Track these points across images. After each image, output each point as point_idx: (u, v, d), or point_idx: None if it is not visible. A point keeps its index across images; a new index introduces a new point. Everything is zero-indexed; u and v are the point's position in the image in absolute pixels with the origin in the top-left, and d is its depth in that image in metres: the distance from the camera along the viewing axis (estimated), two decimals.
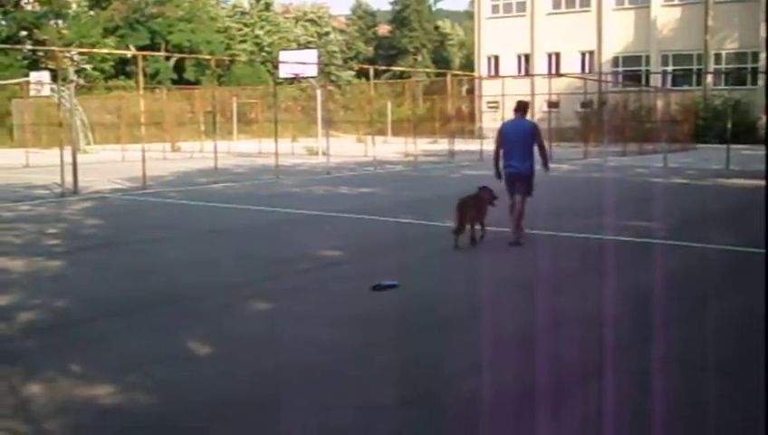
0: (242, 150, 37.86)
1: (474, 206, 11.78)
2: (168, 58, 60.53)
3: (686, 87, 50.40)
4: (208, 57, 48.87)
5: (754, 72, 51.01)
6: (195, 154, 35.41)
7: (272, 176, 23.55)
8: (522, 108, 12.40)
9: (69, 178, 19.16)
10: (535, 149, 12.13)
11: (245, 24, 77.29)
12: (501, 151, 12.18)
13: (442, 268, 10.00)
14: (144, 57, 25.91)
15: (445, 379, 5.77)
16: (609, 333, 6.96)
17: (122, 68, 60.63)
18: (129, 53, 45.88)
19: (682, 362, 6.16)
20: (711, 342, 6.68)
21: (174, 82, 61.01)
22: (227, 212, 15.78)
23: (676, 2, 54.18)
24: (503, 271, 9.75)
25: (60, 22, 60.40)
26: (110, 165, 29.53)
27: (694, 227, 13.59)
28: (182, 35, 65.11)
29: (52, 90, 33.84)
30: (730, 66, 52.55)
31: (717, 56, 53.01)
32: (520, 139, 12.03)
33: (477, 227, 11.72)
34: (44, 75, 38.98)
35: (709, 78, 52.57)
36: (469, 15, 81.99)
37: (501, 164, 12.16)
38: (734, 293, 8.66)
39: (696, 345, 6.62)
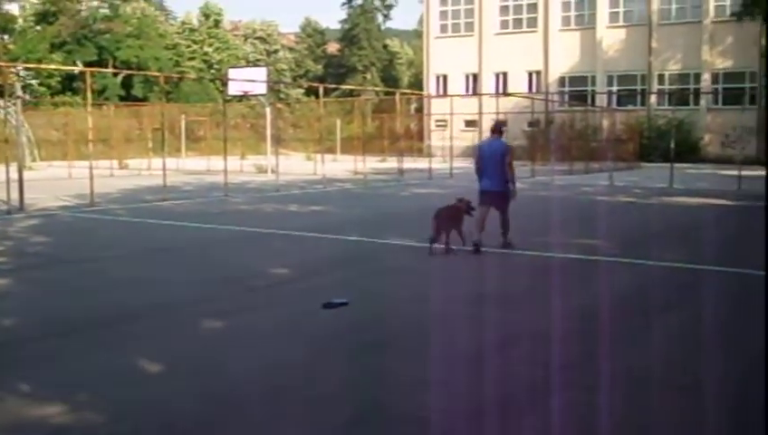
0: (190, 168, 37.66)
1: (448, 216, 12.55)
2: (115, 74, 60.00)
3: (630, 107, 51.20)
4: (157, 74, 48.53)
5: (697, 92, 52.01)
6: (143, 171, 35.14)
7: (221, 193, 23.46)
8: (497, 128, 13.30)
9: (14, 196, 18.91)
10: None
11: (194, 41, 76.98)
12: (478, 168, 13.23)
13: (392, 286, 10.05)
14: (92, 73, 25.68)
15: (393, 397, 5.81)
16: (558, 349, 7.07)
17: (69, 84, 60.01)
18: (76, 69, 45.45)
19: (630, 377, 6.28)
20: (658, 357, 6.82)
21: (122, 98, 60.52)
22: (176, 230, 15.69)
23: (620, 23, 55.11)
24: (452, 288, 9.84)
25: (6, 37, 59.64)
26: (56, 182, 29.18)
27: (640, 245, 13.81)
28: (130, 52, 64.67)
29: None
30: (673, 87, 53.53)
31: (661, 77, 53.97)
32: (492, 158, 12.90)
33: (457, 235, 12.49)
34: None
35: (653, 98, 53.49)
36: (418, 35, 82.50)
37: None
38: (679, 309, 8.83)
39: (643, 361, 6.74)
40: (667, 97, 53.15)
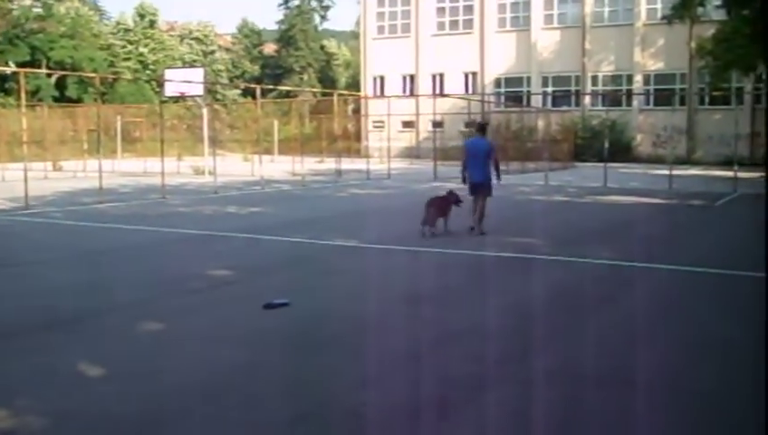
0: (127, 170, 37.26)
1: (437, 205, 14.74)
2: (49, 75, 59.09)
3: (565, 108, 51.86)
4: (91, 75, 47.96)
5: (629, 93, 52.96)
6: (78, 173, 34.67)
7: (158, 195, 23.30)
8: (481, 128, 15.87)
9: None
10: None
11: (129, 42, 76.13)
12: (465, 163, 15.22)
13: (333, 286, 10.14)
14: (25, 74, 25.29)
15: (334, 395, 5.90)
16: (494, 346, 7.22)
17: (2, 85, 58.93)
18: (8, 70, 44.71)
19: (564, 372, 6.45)
20: (592, 352, 7.01)
21: (56, 99, 59.58)
22: (113, 233, 15.56)
23: (555, 25, 55.84)
24: (390, 288, 9.95)
25: None
26: None
27: (574, 243, 14.07)
28: (64, 52, 63.70)
29: None
30: (606, 88, 54.42)
31: (594, 78, 54.82)
32: (478, 154, 15.07)
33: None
34: None
35: (587, 99, 54.31)
36: (355, 36, 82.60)
37: (466, 173, 15.20)
38: (612, 304, 9.06)
39: (578, 356, 6.93)
40: (600, 98, 53.99)
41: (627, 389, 6.05)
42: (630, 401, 5.80)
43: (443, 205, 14.84)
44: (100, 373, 6.37)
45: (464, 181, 15.37)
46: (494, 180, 15.24)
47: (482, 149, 15.14)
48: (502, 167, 17.05)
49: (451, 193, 15.15)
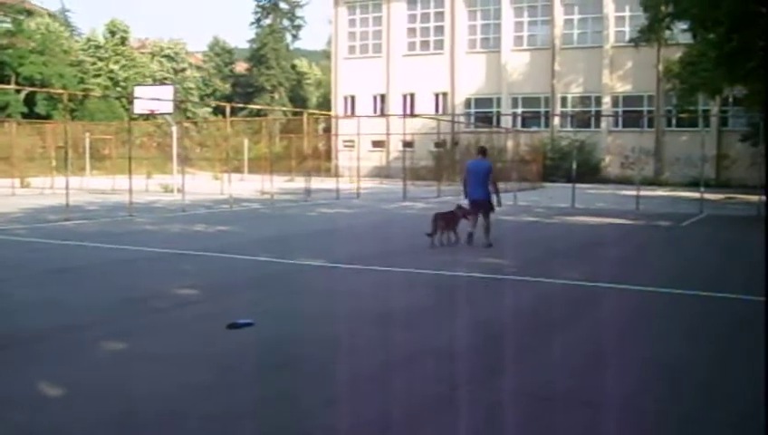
0: (95, 187, 37.01)
1: (444, 218, 16.21)
2: (18, 91, 58.62)
3: (534, 128, 52.24)
4: (60, 91, 47.55)
5: (598, 115, 53.44)
6: (45, 190, 34.40)
7: (125, 213, 23.14)
8: (481, 151, 17.67)
9: None
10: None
11: (100, 59, 75.76)
12: (465, 181, 16.85)
13: (298, 306, 10.09)
14: None
15: (299, 416, 5.86)
16: (461, 366, 7.23)
17: None
18: None
19: (530, 392, 6.46)
20: (558, 372, 7.04)
21: (24, 115, 59.09)
22: (79, 250, 15.43)
23: (525, 47, 56.28)
24: (358, 308, 9.92)
25: None
26: None
27: (541, 264, 14.14)
28: (33, 68, 63.24)
29: None
30: (575, 109, 54.90)
31: (564, 99, 55.29)
32: (478, 175, 16.51)
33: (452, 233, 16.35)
34: None
35: (556, 120, 54.71)
36: (326, 55, 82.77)
37: (467, 190, 16.70)
38: (577, 325, 9.09)
39: (543, 376, 6.95)
40: (569, 119, 54.44)
41: (589, 409, 6.07)
42: (593, 421, 5.82)
43: (451, 219, 16.41)
44: (61, 393, 6.29)
45: (466, 196, 16.92)
46: (494, 201, 16.60)
47: (482, 169, 16.60)
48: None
49: (460, 208, 16.83)
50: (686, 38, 39.24)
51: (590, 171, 47.87)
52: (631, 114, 51.96)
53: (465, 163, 17.80)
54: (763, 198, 22.34)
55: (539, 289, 11.52)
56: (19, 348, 7.73)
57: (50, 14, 77.91)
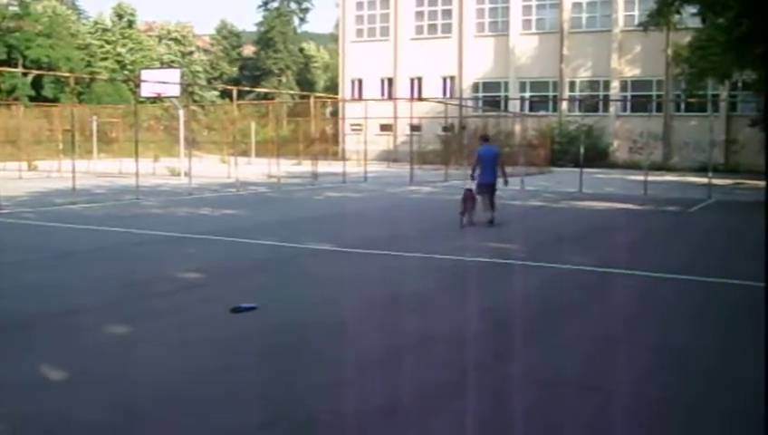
0: (102, 170, 37.01)
1: (472, 198, 17.10)
2: (25, 74, 58.63)
3: (542, 113, 52.06)
4: (67, 74, 47.59)
5: (606, 99, 53.21)
6: (52, 174, 34.42)
7: (132, 196, 23.13)
8: (485, 138, 19.25)
9: None
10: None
11: (107, 42, 75.72)
12: (477, 167, 17.85)
13: (303, 290, 10.05)
14: (0, 72, 25.07)
15: (303, 399, 5.83)
16: (470, 351, 7.18)
17: None
18: None
19: (539, 378, 6.40)
20: (567, 358, 6.98)
21: (31, 98, 59.11)
22: (85, 234, 15.42)
23: (533, 30, 56.01)
24: (365, 291, 9.88)
25: None
26: None
27: (549, 249, 14.07)
28: (41, 51, 63.24)
29: None
30: (583, 93, 54.67)
31: (572, 84, 55.04)
32: (489, 159, 17.76)
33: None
34: None
35: (564, 104, 54.50)
36: (334, 39, 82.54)
37: (476, 174, 17.79)
38: (585, 311, 9.04)
39: (552, 362, 6.90)
40: (577, 103, 54.23)
41: (597, 395, 6.02)
42: (601, 407, 5.78)
43: (472, 198, 17.27)
44: (64, 377, 6.26)
45: (473, 180, 17.90)
46: (500, 182, 17.87)
47: (492, 154, 18.04)
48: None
49: (470, 190, 17.46)
50: (696, 22, 38.94)
51: (598, 156, 47.66)
52: (640, 99, 51.71)
53: (476, 150, 18.65)
54: None
55: (547, 274, 11.45)
56: (23, 332, 7.69)
57: None
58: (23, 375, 6.25)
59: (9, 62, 59.96)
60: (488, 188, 17.67)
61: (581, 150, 32.18)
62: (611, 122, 52.87)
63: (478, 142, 18.98)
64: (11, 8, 65.55)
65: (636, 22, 48.07)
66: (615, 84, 53.24)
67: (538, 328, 8.13)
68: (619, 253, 13.56)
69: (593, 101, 53.61)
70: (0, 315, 8.30)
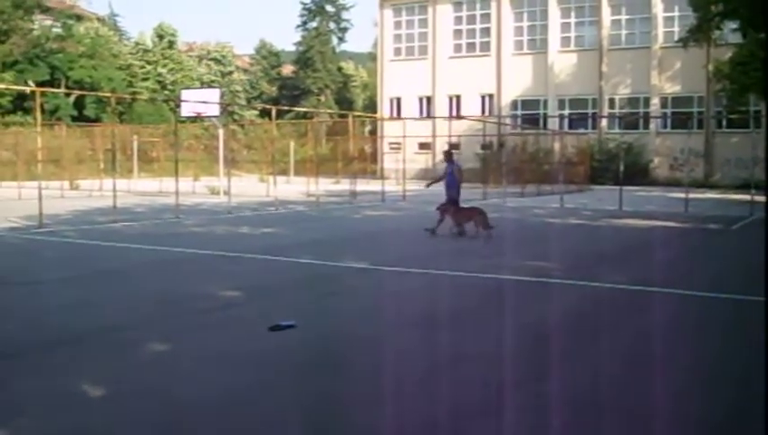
0: (142, 189, 37.40)
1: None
2: (68, 94, 59.43)
3: (581, 130, 51.81)
4: (109, 94, 48.20)
5: (646, 116, 52.85)
6: (94, 192, 34.83)
7: (172, 215, 23.33)
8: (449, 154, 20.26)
9: None
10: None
11: (148, 62, 76.57)
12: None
13: (341, 308, 10.08)
14: (43, 93, 25.45)
15: (341, 417, 5.84)
16: (506, 370, 7.14)
17: (20, 103, 59.24)
18: (27, 89, 44.95)
19: (576, 398, 6.35)
20: (605, 378, 6.92)
21: (74, 118, 59.88)
22: (126, 252, 15.57)
23: (572, 48, 55.85)
24: (401, 310, 9.87)
25: None
26: (5, 203, 28.84)
27: (588, 267, 13.99)
28: (83, 72, 64.07)
29: None
30: (623, 110, 54.36)
31: (611, 101, 54.75)
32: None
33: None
34: None
35: (604, 122, 54.19)
36: (372, 57, 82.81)
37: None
38: (626, 330, 8.96)
39: (590, 382, 6.84)
40: (617, 121, 53.93)
41: (634, 417, 5.96)
42: (637, 429, 5.72)
43: (469, 213, 18.52)
44: (104, 394, 6.32)
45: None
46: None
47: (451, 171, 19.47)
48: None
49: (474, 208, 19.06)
50: (737, 38, 38.78)
51: (638, 173, 47.29)
52: (680, 115, 51.28)
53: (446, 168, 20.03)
54: None
55: (585, 293, 11.37)
56: (65, 348, 7.78)
57: (99, 19, 78.97)
58: (65, 392, 6.32)
59: (52, 82, 60.80)
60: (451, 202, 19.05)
61: (621, 168, 31.93)
62: (651, 139, 52.51)
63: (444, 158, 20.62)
64: (54, 30, 66.54)
65: (676, 38, 47.81)
66: (655, 101, 52.87)
67: (576, 347, 8.07)
68: (659, 271, 13.42)
69: (633, 118, 53.27)
70: (42, 332, 8.40)
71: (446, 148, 23.09)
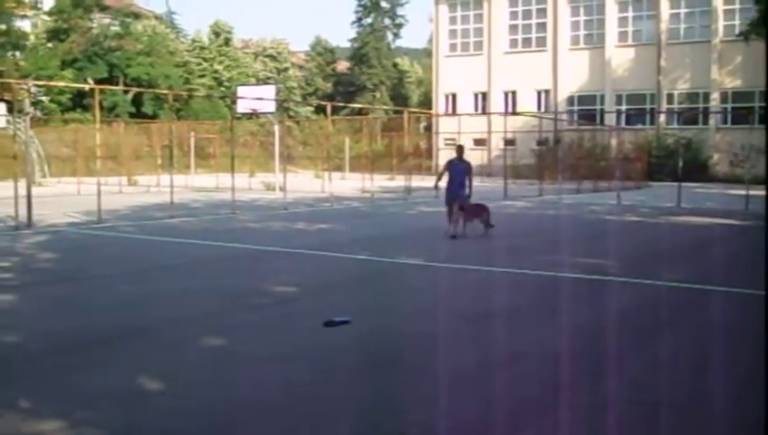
0: (199, 185, 37.73)
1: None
2: (126, 92, 60.20)
3: (639, 126, 51.22)
4: (166, 91, 48.69)
5: (706, 111, 52.04)
6: (151, 188, 35.25)
7: (228, 211, 23.51)
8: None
9: (23, 211, 18.97)
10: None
11: (204, 59, 77.23)
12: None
13: (395, 304, 10.06)
14: (101, 90, 25.85)
15: (395, 413, 5.83)
16: (562, 368, 7.07)
17: (80, 101, 60.15)
18: (86, 86, 45.64)
19: (633, 398, 6.27)
20: (661, 378, 6.82)
21: (132, 115, 60.62)
22: (182, 247, 15.74)
23: (629, 42, 55.20)
24: (457, 307, 9.84)
25: (17, 53, 59.92)
26: (65, 198, 29.30)
27: (645, 264, 13.79)
28: (141, 69, 64.83)
29: (7, 121, 33.53)
30: (682, 106, 53.60)
31: (670, 96, 54.02)
32: (459, 173, 18.09)
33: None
34: (0, 107, 38.58)
35: (662, 117, 53.49)
36: (427, 53, 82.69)
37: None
38: (683, 329, 8.82)
39: (646, 381, 6.74)
40: (675, 116, 53.18)
41: (693, 416, 5.86)
42: (692, 429, 5.62)
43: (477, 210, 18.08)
44: (161, 387, 6.39)
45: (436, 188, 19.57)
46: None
47: (462, 169, 18.08)
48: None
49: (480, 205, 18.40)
50: None
51: (697, 170, 46.58)
52: (741, 110, 50.41)
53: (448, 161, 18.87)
54: None
55: (641, 291, 11.23)
56: (123, 342, 7.88)
57: (156, 17, 79.89)
58: (122, 386, 6.40)
59: (111, 80, 61.60)
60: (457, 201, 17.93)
61: (680, 164, 31.48)
62: (711, 135, 51.69)
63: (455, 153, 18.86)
64: (112, 28, 67.45)
65: (736, 31, 47.06)
66: (715, 96, 52.01)
67: (632, 346, 7.96)
68: (717, 270, 13.19)
69: (692, 113, 52.50)
70: (100, 327, 8.51)
71: (460, 144, 21.63)
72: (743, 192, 27.95)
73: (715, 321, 9.27)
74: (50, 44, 63.77)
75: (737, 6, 49.96)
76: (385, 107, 74.64)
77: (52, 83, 45.03)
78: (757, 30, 36.04)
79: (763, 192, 26.48)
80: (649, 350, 7.84)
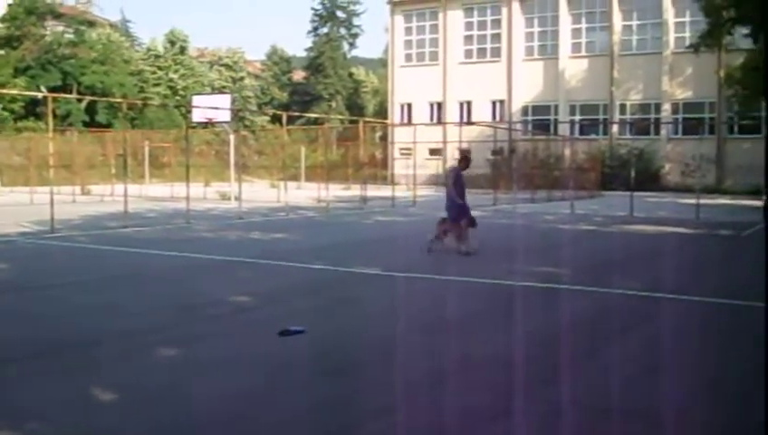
0: (154, 194, 37.47)
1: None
2: (79, 100, 59.64)
3: (592, 136, 51.76)
4: (121, 100, 48.33)
5: (657, 122, 52.75)
6: (105, 198, 34.97)
7: (183, 220, 23.38)
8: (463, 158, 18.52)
9: None
10: None
11: (159, 68, 76.76)
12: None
13: (351, 313, 10.09)
14: (54, 98, 25.57)
15: (350, 422, 5.84)
16: (515, 375, 7.14)
17: (33, 109, 59.54)
18: (39, 94, 45.15)
19: (583, 403, 6.35)
20: (612, 383, 6.91)
21: (85, 124, 60.09)
22: (137, 257, 15.63)
23: (583, 53, 55.85)
24: (411, 316, 9.87)
25: None
26: (17, 208, 28.95)
27: (598, 273, 13.94)
28: (95, 77, 64.27)
29: None
30: (634, 116, 54.31)
31: (622, 106, 54.72)
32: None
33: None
34: None
35: (615, 128, 54.14)
36: (383, 63, 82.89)
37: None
38: (636, 335, 8.94)
39: (597, 387, 6.83)
40: (628, 126, 53.86)
41: (642, 422, 5.95)
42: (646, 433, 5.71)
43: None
44: (115, 398, 6.34)
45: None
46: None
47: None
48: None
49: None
50: (748, 43, 38.63)
51: (649, 179, 47.23)
52: (692, 121, 51.20)
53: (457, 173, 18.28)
54: None
55: (595, 299, 11.35)
56: (76, 353, 7.82)
57: (111, 25, 79.31)
58: (74, 395, 6.35)
59: (64, 88, 61.02)
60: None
61: (632, 174, 31.91)
62: (663, 145, 52.42)
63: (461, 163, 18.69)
64: (66, 36, 66.82)
65: (687, 44, 47.75)
66: (666, 107, 52.81)
67: (584, 353, 8.06)
68: (669, 277, 13.38)
69: (644, 123, 53.21)
70: (52, 338, 8.43)
71: (465, 152, 20.54)
72: (693, 201, 28.37)
73: (668, 327, 9.41)
74: (2, 52, 62.98)
75: (688, 19, 50.77)
76: (341, 117, 74.71)
77: (4, 91, 44.53)
78: (707, 42, 36.61)
79: (713, 201, 26.94)
80: (603, 356, 7.94)
